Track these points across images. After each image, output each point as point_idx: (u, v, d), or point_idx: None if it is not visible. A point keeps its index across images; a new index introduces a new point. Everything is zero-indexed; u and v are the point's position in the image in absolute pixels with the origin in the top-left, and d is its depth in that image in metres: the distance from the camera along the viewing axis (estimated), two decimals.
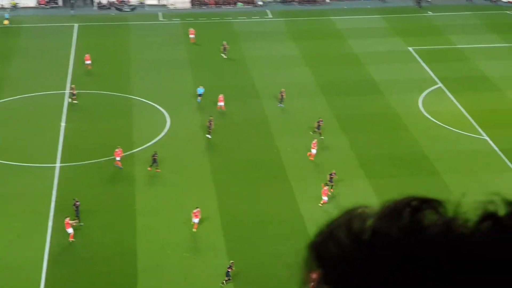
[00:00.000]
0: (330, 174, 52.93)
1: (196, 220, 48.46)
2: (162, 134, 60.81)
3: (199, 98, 65.88)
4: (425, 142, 60.22)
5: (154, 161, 55.18)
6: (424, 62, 76.96)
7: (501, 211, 2.36)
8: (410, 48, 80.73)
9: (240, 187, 53.57)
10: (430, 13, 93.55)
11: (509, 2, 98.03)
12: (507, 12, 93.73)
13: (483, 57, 78.44)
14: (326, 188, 51.77)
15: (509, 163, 57.12)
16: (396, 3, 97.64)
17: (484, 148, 59.65)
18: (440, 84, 71.40)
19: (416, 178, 54.81)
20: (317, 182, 53.71)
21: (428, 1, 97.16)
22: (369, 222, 2.39)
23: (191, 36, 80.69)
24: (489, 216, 2.33)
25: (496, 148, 59.36)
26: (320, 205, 51.18)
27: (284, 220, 49.75)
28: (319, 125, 60.42)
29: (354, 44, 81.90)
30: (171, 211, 50.53)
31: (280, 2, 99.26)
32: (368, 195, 52.48)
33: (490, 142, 60.44)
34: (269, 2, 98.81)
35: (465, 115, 65.16)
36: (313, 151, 57.10)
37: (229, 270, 43.74)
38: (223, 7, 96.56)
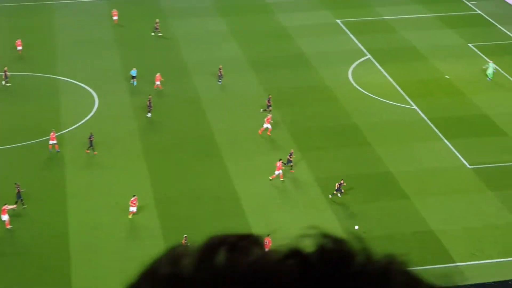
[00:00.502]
0: (290, 154, 52.78)
1: (133, 209, 47.81)
2: (91, 114, 60.03)
3: (133, 80, 64.84)
4: (356, 113, 60.65)
5: (91, 143, 54.37)
6: (352, 34, 77.35)
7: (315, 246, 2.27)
8: (338, 21, 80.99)
9: (173, 166, 53.19)
10: None
11: None
12: None
13: (410, 27, 79.17)
14: (280, 162, 51.74)
15: (437, 132, 57.90)
16: None
17: (413, 117, 60.34)
18: (368, 56, 71.93)
19: (348, 150, 55.20)
20: (250, 158, 53.81)
21: None
22: (188, 261, 2.33)
23: (115, 17, 79.42)
24: (295, 253, 2.25)
25: (425, 117, 60.09)
26: (271, 178, 51.48)
27: (219, 197, 49.65)
28: (269, 104, 60.41)
29: (282, 18, 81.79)
30: (103, 193, 49.97)
31: None
32: (301, 168, 52.75)
33: (419, 111, 61.16)
34: None
35: (394, 85, 65.78)
36: (266, 125, 56.91)
37: None
38: None
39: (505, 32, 77.67)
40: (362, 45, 74.32)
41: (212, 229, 45.27)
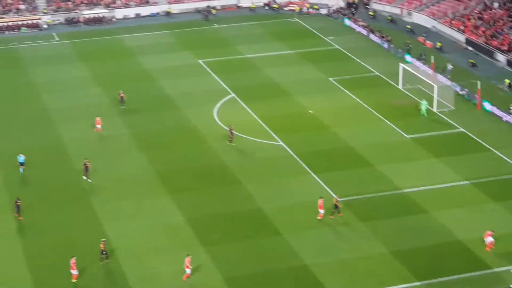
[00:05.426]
0: None
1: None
2: None
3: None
4: (224, 152, 60.70)
5: None
6: (215, 73, 77.77)
7: None
8: (200, 61, 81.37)
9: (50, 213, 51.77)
10: (216, 25, 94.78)
11: (290, 10, 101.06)
12: (289, 19, 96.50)
13: (270, 64, 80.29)
14: None
15: (305, 166, 58.53)
16: (183, 18, 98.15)
17: (281, 153, 60.81)
18: (232, 94, 72.37)
19: (218, 189, 55.01)
20: (119, 202, 52.95)
21: (213, 14, 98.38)
22: None
23: None
24: None
25: (292, 153, 60.70)
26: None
27: (91, 243, 48.46)
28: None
29: (144, 61, 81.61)
30: None
31: (65, 24, 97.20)
32: (171, 211, 52.14)
33: (286, 147, 61.76)
34: (55, 24, 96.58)
35: (259, 122, 66.29)
36: None
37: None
38: (7, 33, 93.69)
39: (363, 65, 79.75)
40: (225, 84, 74.80)
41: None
